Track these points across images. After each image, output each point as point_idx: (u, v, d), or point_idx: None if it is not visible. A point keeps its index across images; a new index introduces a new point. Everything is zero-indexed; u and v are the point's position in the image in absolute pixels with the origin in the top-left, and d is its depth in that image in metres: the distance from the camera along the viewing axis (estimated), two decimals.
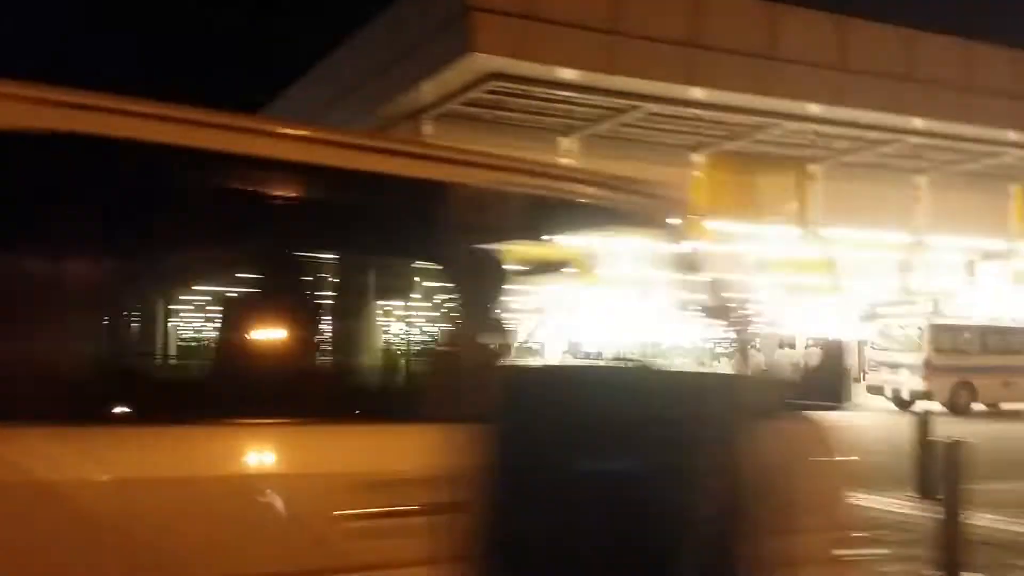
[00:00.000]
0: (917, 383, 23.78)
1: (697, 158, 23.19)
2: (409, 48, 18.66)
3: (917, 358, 23.85)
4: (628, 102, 19.60)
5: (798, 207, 24.57)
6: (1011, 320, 26.75)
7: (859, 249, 27.97)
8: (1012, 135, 23.21)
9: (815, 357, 3.56)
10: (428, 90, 18.52)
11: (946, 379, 23.59)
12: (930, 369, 23.62)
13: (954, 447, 6.67)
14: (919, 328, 24.38)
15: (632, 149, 21.91)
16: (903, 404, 24.31)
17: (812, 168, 24.67)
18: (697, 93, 19.26)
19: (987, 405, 24.61)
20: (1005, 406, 24.77)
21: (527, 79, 17.96)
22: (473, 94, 18.43)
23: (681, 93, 19.31)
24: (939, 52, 21.78)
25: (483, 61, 17.04)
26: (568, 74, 17.77)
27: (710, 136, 22.47)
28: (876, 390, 25.21)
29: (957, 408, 23.42)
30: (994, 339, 25.18)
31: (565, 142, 21.56)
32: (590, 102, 19.87)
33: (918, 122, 22.08)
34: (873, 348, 25.99)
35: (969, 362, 24.07)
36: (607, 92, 19.10)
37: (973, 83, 21.74)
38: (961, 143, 23.68)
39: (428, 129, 20.15)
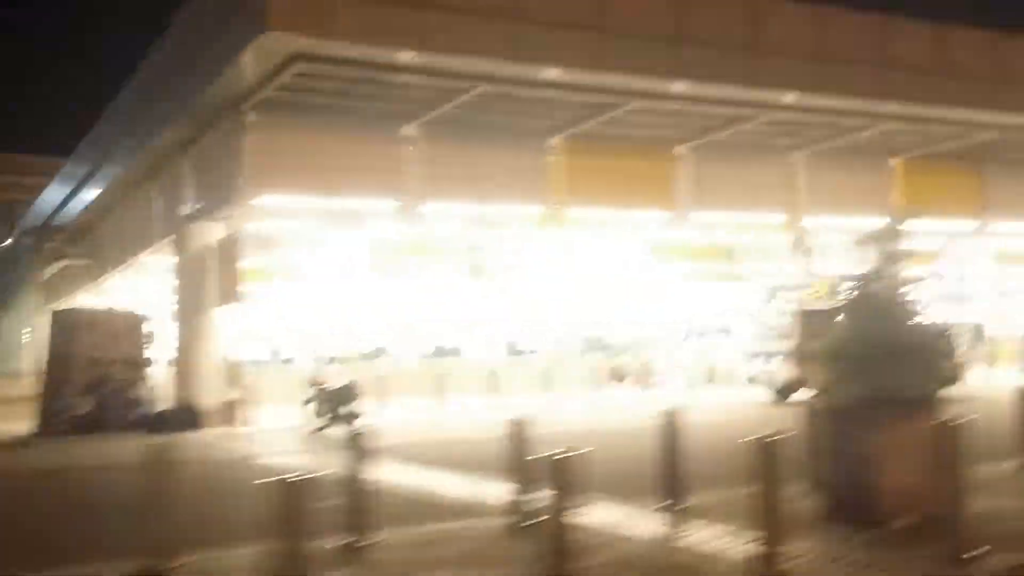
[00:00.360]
0: (790, 372, 22.79)
1: (555, 142, 22.04)
2: (210, 34, 17.42)
3: (789, 346, 22.86)
4: (468, 83, 18.37)
5: (665, 190, 23.50)
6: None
7: (738, 232, 27.15)
8: (890, 106, 22.24)
9: None
10: (232, 77, 17.23)
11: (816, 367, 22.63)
12: (802, 356, 22.63)
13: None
14: (790, 315, 23.39)
15: (483, 133, 20.78)
16: (783, 394, 23.38)
17: (679, 150, 23.63)
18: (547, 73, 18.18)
19: None
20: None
21: (336, 60, 16.70)
22: (284, 79, 17.11)
23: (525, 73, 18.21)
24: (790, 23, 20.72)
25: (280, 41, 15.77)
26: (379, 54, 16.53)
27: (563, 118, 21.33)
28: (755, 380, 24.25)
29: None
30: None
31: (407, 128, 20.35)
32: (429, 84, 18.69)
33: (789, 97, 21.07)
34: (750, 337, 25.03)
35: None
36: (445, 74, 17.95)
37: (825, 52, 20.68)
38: (831, 116, 22.72)
39: (251, 119, 18.85)
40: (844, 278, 8.84)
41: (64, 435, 18.93)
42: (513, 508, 8.42)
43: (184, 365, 20.53)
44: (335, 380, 17.97)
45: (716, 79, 19.68)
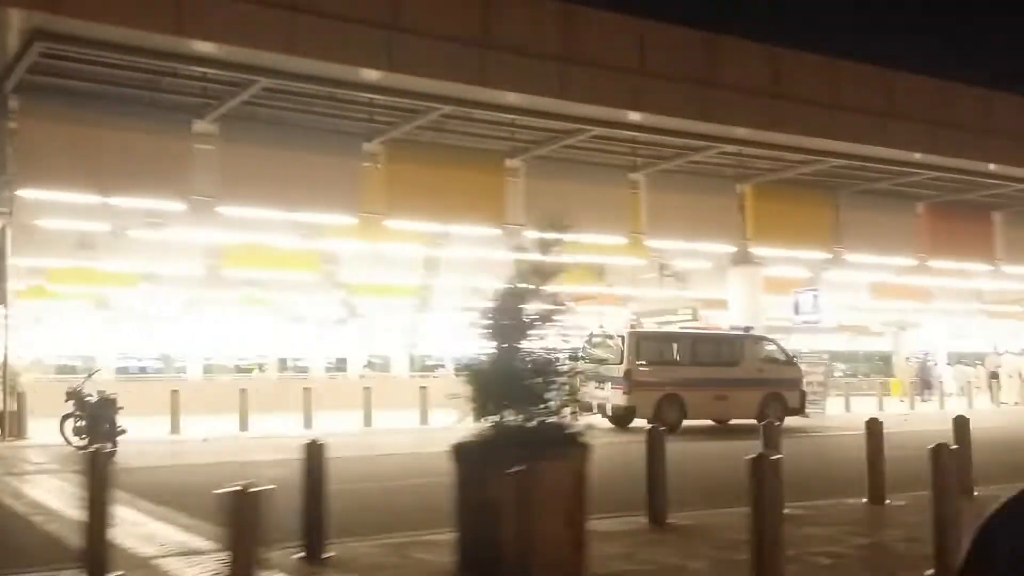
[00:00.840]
0: (620, 398, 21.63)
1: (370, 147, 20.66)
2: None
3: (620, 371, 21.71)
4: (250, 76, 16.94)
5: (496, 205, 22.24)
6: (739, 327, 25.01)
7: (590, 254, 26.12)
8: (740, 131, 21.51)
9: None
10: None
11: (650, 394, 21.52)
12: (632, 383, 21.52)
13: None
14: (620, 338, 22.25)
15: (287, 135, 19.34)
16: (619, 422, 22.21)
17: (511, 163, 22.45)
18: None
19: (720, 422, 22.81)
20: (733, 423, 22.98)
21: (88, 41, 15.11)
22: (31, 59, 15.46)
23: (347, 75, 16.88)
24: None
25: (11, 16, 14.13)
26: (130, 36, 14.96)
27: (382, 123, 19.99)
28: (587, 407, 23.04)
29: (665, 426, 21.18)
30: (705, 349, 23.23)
31: (200, 124, 18.80)
32: (221, 78, 17.25)
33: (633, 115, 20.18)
34: (583, 361, 23.82)
35: (676, 375, 22.07)
36: (229, 65, 16.48)
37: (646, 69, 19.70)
38: (667, 138, 21.88)
39: (14, 105, 17.14)
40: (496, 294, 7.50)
41: None
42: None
43: None
44: (95, 394, 16.30)
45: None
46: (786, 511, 10.18)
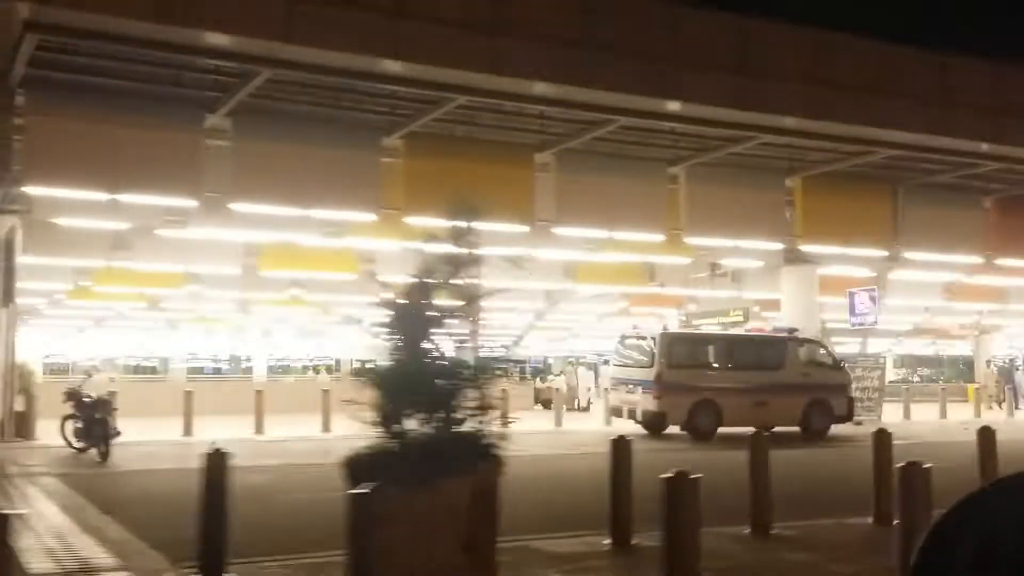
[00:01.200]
0: (650, 403, 20.61)
1: (390, 141, 20.01)
2: None
3: (650, 374, 20.70)
4: (255, 67, 16.41)
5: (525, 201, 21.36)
6: (782, 329, 23.74)
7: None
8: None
9: None
10: None
11: (683, 399, 20.45)
12: (663, 387, 20.48)
13: None
14: (652, 340, 21.22)
15: (302, 129, 18.81)
16: (651, 428, 21.23)
17: (540, 157, 21.56)
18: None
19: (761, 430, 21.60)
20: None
21: (84, 33, 14.75)
22: (26, 51, 15.14)
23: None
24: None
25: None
26: (126, 26, 14.53)
27: (402, 115, 19.34)
28: (617, 412, 22.11)
29: (697, 432, 20.23)
30: (744, 352, 22.04)
31: (212, 119, 18.37)
32: (231, 70, 16.82)
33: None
34: (613, 364, 22.88)
35: (711, 379, 20.94)
36: (237, 56, 16.02)
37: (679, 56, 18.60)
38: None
39: (20, 101, 16.93)
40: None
41: None
42: None
43: None
44: (92, 394, 16.00)
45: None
46: (774, 531, 9.24)
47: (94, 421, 15.48)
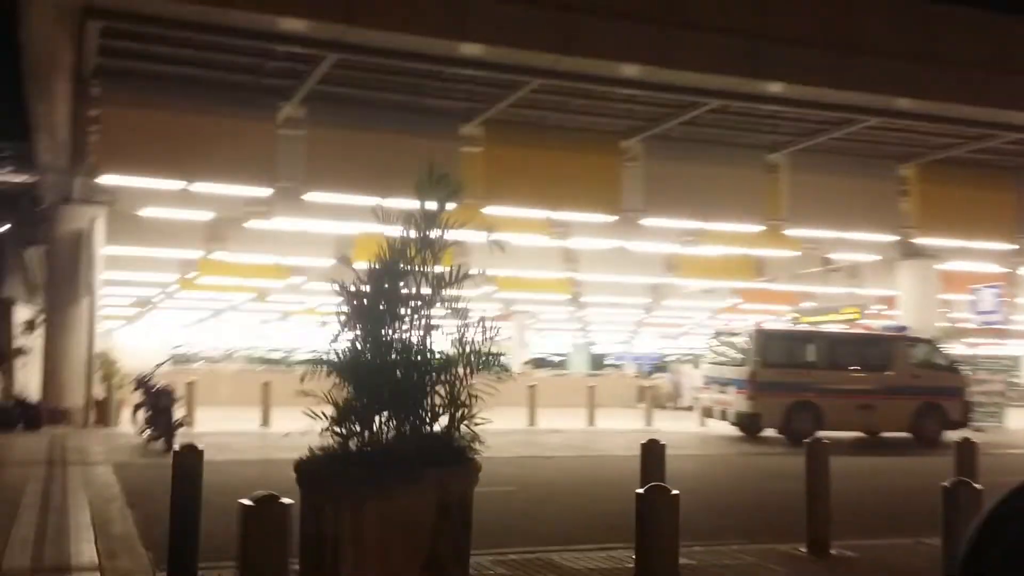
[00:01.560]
0: (742, 404, 19.40)
1: (468, 129, 19.38)
2: None
3: (743, 373, 19.48)
4: (321, 51, 16.02)
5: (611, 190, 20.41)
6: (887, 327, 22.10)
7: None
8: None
9: None
10: (40, 41, 15.13)
11: (778, 400, 19.16)
12: (756, 387, 19.23)
13: None
14: (746, 336, 19.97)
15: (376, 115, 18.38)
16: (747, 430, 20.03)
17: (627, 144, 20.56)
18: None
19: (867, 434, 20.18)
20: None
21: (153, 20, 14.59)
22: (91, 41, 15.11)
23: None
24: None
25: None
26: (211, 14, 14.27)
27: (480, 101, 18.69)
28: (708, 412, 20.94)
29: (795, 436, 18.86)
30: (847, 351, 20.51)
31: (287, 108, 18.11)
32: (301, 56, 16.49)
33: None
34: (706, 362, 21.69)
35: (810, 379, 19.55)
36: (309, 41, 15.68)
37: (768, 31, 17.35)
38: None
39: (95, 91, 16.99)
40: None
41: None
42: None
43: (50, 359, 18.90)
44: (158, 383, 15.93)
45: None
46: (833, 552, 8.19)
47: (159, 411, 15.37)
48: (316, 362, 5.85)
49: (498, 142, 19.36)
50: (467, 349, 5.90)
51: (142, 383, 16.03)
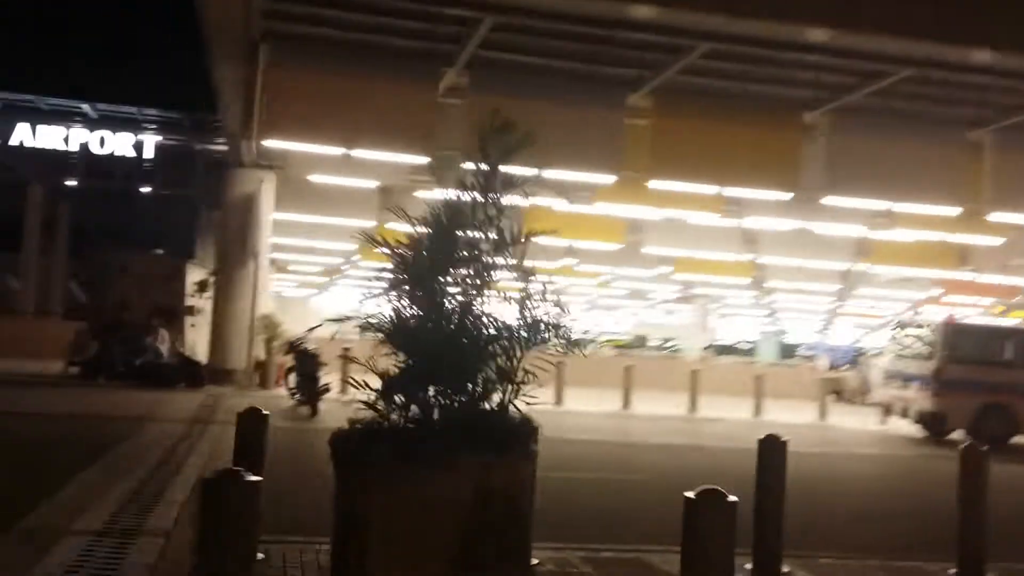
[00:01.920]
0: (926, 402, 17.70)
1: (635, 100, 18.44)
2: None
3: (928, 369, 17.75)
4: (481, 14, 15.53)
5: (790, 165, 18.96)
6: None
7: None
8: None
9: None
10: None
11: (966, 400, 17.34)
12: (942, 385, 17.47)
13: None
14: (933, 330, 18.16)
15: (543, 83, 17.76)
16: (933, 430, 18.33)
17: (809, 117, 19.07)
18: None
19: None
20: None
21: None
22: (270, 5, 15.19)
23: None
24: None
25: None
26: None
27: (648, 68, 17.75)
28: (887, 408, 19.26)
29: (985, 439, 16.97)
30: None
31: (451, 76, 17.77)
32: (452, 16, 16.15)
33: None
34: (887, 355, 19.92)
35: (1005, 379, 17.58)
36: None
37: None
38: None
39: (264, 55, 17.17)
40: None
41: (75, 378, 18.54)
42: None
43: (217, 320, 19.51)
44: (307, 347, 16.04)
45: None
46: (990, 573, 7.12)
47: (305, 375, 15.45)
48: (367, 327, 5.32)
49: (667, 113, 18.35)
50: (528, 319, 5.23)
51: (293, 347, 16.16)
